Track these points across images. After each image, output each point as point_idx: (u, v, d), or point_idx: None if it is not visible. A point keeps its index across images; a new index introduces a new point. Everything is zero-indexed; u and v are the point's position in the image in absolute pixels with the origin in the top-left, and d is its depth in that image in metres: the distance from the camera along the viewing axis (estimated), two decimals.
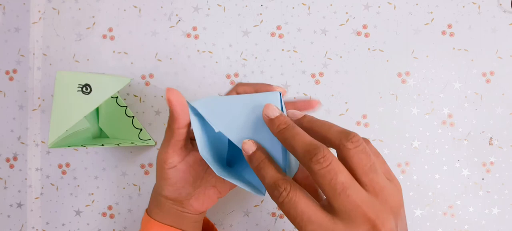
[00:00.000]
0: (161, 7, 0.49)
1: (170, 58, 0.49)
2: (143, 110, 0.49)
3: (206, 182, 0.39)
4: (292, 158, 0.34)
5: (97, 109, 0.47)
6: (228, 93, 0.44)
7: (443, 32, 0.48)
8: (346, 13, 0.48)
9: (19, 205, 0.50)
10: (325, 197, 0.28)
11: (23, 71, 0.49)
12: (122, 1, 0.49)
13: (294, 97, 0.48)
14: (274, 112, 0.31)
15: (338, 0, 0.48)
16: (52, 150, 0.49)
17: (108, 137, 0.48)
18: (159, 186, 0.38)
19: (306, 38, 0.48)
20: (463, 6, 0.48)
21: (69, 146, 0.41)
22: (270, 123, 0.31)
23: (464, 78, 0.48)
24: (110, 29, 0.49)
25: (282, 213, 0.48)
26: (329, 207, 0.27)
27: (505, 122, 0.47)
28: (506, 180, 0.47)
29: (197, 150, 0.37)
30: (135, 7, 0.49)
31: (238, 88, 0.44)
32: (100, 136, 0.48)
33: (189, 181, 0.37)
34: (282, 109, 0.34)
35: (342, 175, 0.26)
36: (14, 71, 0.49)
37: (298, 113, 0.32)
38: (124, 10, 0.49)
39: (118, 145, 0.45)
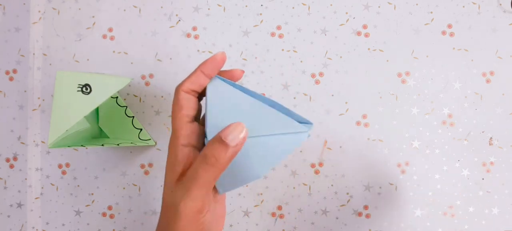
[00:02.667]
0: (161, 7, 0.49)
1: (170, 58, 0.49)
2: (143, 110, 0.49)
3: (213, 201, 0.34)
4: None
5: (97, 109, 0.47)
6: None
7: (443, 32, 0.48)
8: (346, 13, 0.48)
9: (19, 205, 0.50)
10: None
11: (23, 71, 0.49)
12: (122, 1, 0.49)
13: (294, 97, 0.48)
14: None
15: (338, 0, 0.48)
16: (52, 150, 0.49)
17: (108, 137, 0.48)
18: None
19: (306, 38, 0.48)
20: (463, 6, 0.48)
21: (69, 146, 0.41)
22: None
23: (464, 78, 0.48)
24: (110, 29, 0.49)
25: (282, 213, 0.48)
26: None
27: (505, 122, 0.47)
28: (506, 180, 0.47)
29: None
30: (135, 7, 0.49)
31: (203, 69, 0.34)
32: (100, 136, 0.48)
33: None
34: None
35: None
36: (14, 71, 0.49)
37: None
38: (124, 10, 0.49)
39: (118, 145, 0.45)
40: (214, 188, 0.34)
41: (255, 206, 0.49)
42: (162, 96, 0.49)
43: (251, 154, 0.32)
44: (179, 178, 0.32)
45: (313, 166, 0.48)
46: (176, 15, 0.49)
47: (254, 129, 0.32)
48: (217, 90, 0.33)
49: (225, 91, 0.33)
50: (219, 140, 0.30)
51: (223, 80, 0.33)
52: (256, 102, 0.32)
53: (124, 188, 0.49)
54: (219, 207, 0.35)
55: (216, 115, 0.32)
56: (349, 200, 0.48)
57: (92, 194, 0.49)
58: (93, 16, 0.49)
